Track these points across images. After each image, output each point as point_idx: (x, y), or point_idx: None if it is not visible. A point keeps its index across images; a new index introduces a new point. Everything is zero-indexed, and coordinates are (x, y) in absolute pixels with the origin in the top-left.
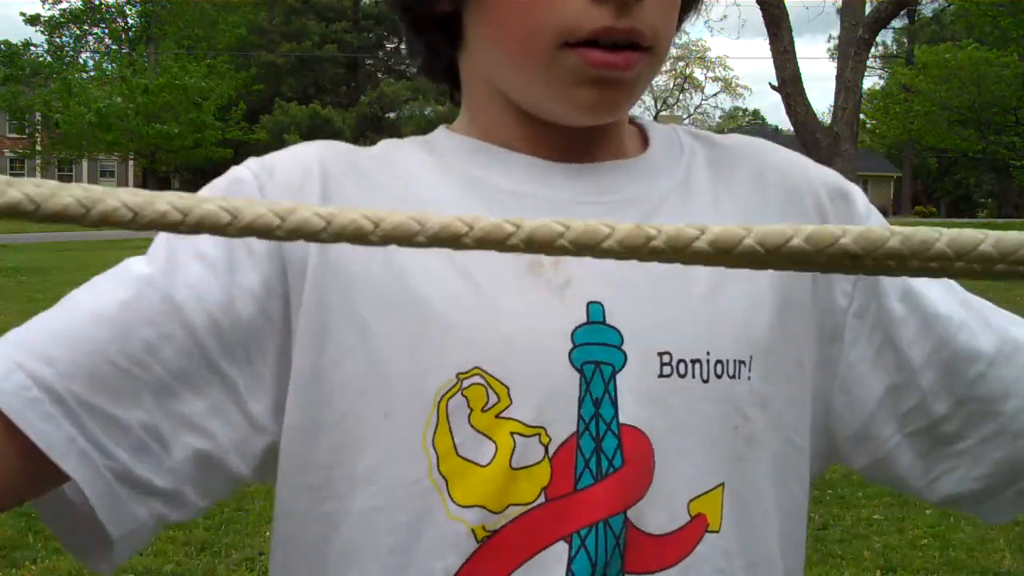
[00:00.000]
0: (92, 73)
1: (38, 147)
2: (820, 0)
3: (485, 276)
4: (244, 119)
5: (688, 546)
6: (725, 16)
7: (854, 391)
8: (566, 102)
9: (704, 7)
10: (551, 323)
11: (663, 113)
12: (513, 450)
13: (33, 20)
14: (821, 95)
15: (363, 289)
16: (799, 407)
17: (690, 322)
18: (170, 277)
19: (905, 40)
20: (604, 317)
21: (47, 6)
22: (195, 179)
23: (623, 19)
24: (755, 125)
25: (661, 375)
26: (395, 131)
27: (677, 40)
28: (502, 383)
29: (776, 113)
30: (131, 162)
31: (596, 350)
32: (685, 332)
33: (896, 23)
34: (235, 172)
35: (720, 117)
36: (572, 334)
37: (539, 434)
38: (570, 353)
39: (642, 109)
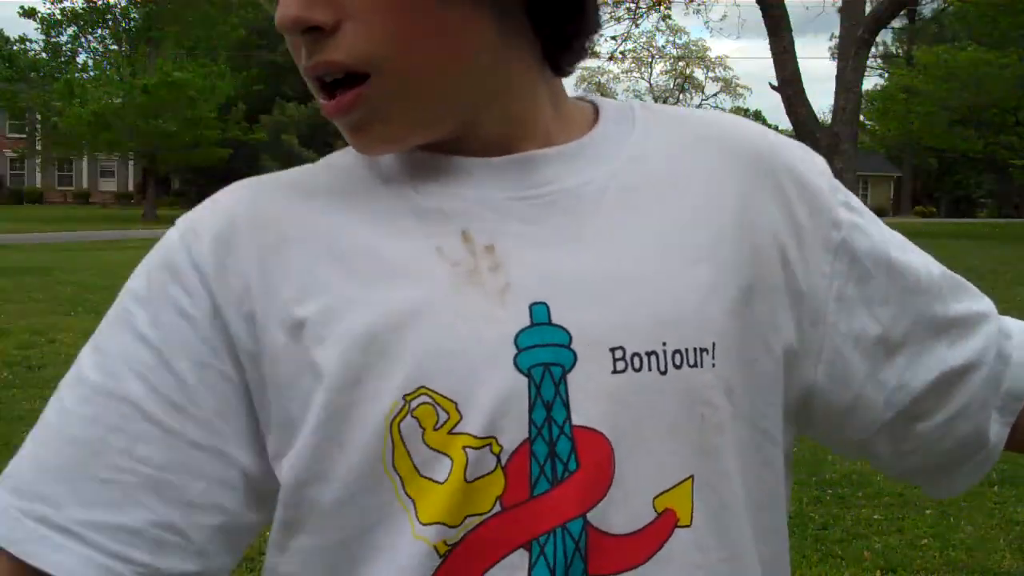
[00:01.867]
0: (92, 73)
1: (38, 146)
2: (820, 0)
3: (422, 292)
4: (244, 119)
5: (656, 542)
6: (725, 16)
7: (840, 371)
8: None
9: (705, 7)
10: (492, 330)
11: None
12: (466, 464)
13: (31, 13)
14: (821, 95)
15: (306, 336)
16: (767, 391)
17: (643, 314)
18: (119, 376)
19: (905, 40)
20: (549, 317)
21: (47, 5)
22: (195, 179)
23: (313, 57)
24: None
25: (615, 371)
26: None
27: (677, 40)
28: (449, 399)
29: (776, 113)
30: (131, 162)
31: (543, 352)
32: (638, 324)
33: (896, 23)
34: (165, 238)
35: None
36: (515, 338)
37: (490, 444)
38: (515, 358)
39: None
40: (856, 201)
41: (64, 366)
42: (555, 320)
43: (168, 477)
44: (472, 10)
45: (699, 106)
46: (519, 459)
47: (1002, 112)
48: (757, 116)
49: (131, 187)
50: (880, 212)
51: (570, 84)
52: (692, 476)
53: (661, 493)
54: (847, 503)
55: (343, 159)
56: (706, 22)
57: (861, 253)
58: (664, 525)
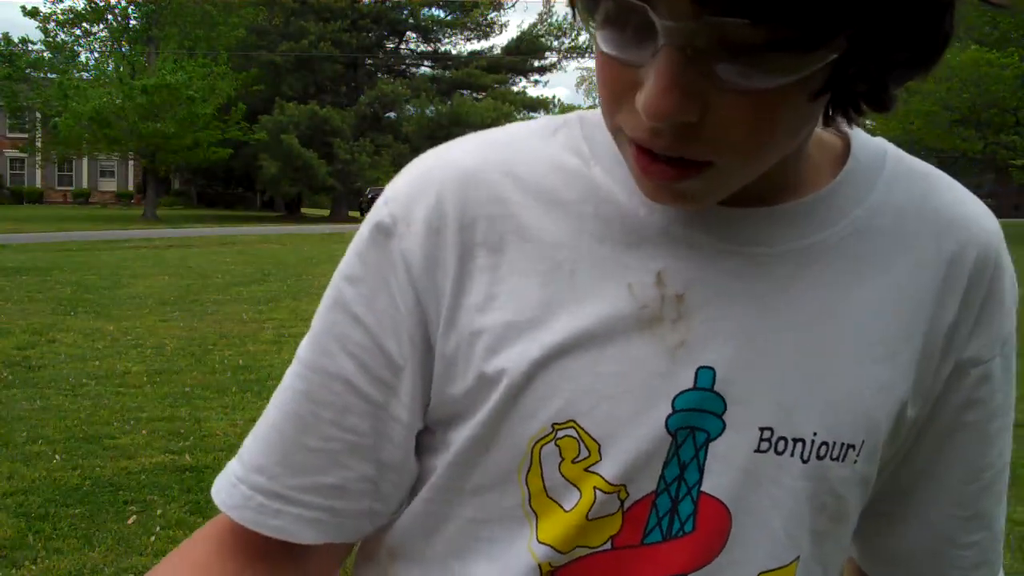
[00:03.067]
0: (92, 73)
1: (38, 145)
2: None
3: (601, 329)
4: (244, 119)
5: None
6: None
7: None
8: (638, 183)
9: None
10: (655, 387)
11: None
12: (592, 503)
13: (33, 13)
14: None
15: (480, 345)
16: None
17: (804, 401)
18: (332, 354)
19: None
20: (713, 384)
21: (48, 5)
22: (195, 178)
23: (662, 140)
24: None
25: (758, 450)
26: (395, 130)
27: None
28: (594, 439)
29: None
30: (131, 162)
31: (694, 416)
32: (795, 410)
33: None
34: (375, 214)
35: None
36: (674, 400)
37: (619, 491)
38: (668, 418)
39: None
40: (1014, 363)
41: (64, 366)
42: (718, 387)
43: (368, 442)
44: (824, 100)
45: None
46: (640, 507)
47: (1002, 112)
48: None
49: (131, 187)
50: None
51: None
52: (799, 557)
53: (769, 570)
54: None
55: (562, 154)
56: None
57: (975, 402)
58: None
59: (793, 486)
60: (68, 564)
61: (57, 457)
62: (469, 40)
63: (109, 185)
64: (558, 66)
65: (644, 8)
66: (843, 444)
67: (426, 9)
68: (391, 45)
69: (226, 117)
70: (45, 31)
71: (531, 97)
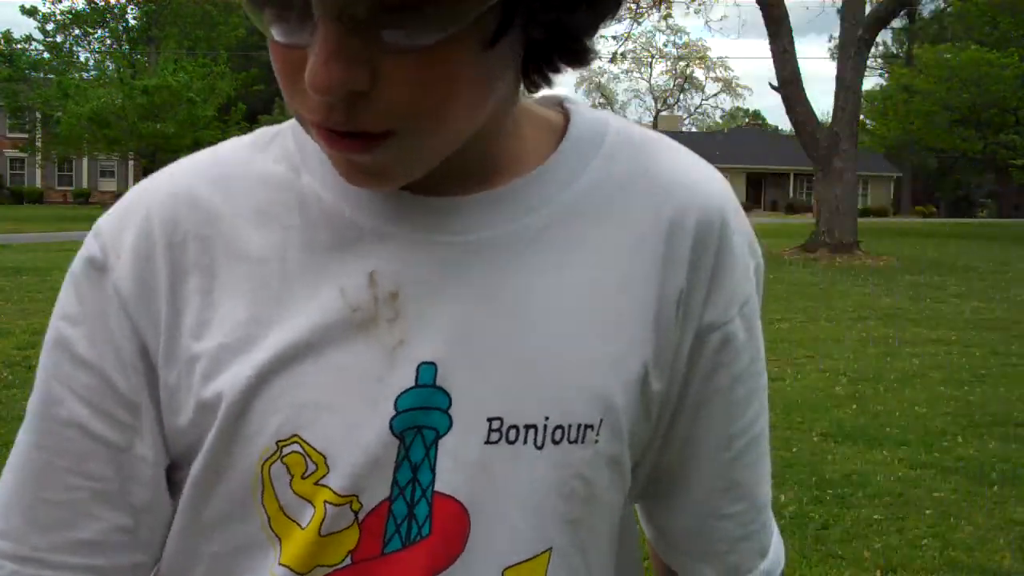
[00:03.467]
0: (93, 73)
1: (38, 144)
2: (820, 0)
3: (315, 339)
4: (244, 119)
5: None
6: (725, 16)
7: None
8: (334, 166)
9: (705, 7)
10: (375, 390)
11: (663, 113)
12: (324, 518)
13: (32, 12)
14: (821, 95)
15: (198, 371)
16: (636, 449)
17: (531, 386)
18: (62, 401)
19: (905, 40)
20: (435, 379)
21: (47, 5)
22: None
23: (334, 117)
24: (755, 125)
25: (488, 441)
26: None
27: (678, 40)
28: (319, 452)
29: (776, 113)
30: (131, 162)
31: (420, 415)
32: (522, 397)
33: (896, 23)
34: (86, 249)
35: (721, 117)
36: (396, 401)
37: (351, 502)
38: (392, 420)
39: (643, 110)
40: (757, 326)
41: None
42: (440, 382)
43: (114, 487)
44: (504, 52)
45: (699, 106)
46: (376, 517)
47: (1002, 112)
48: (757, 116)
49: (131, 187)
50: (880, 212)
51: (569, 84)
52: (551, 548)
53: (514, 564)
54: (847, 503)
55: (272, 166)
56: (706, 22)
57: (718, 366)
58: None
59: (532, 475)
60: None
61: None
62: None
63: (109, 185)
64: None
65: None
66: (580, 425)
67: None
68: None
69: (226, 117)
70: (44, 31)
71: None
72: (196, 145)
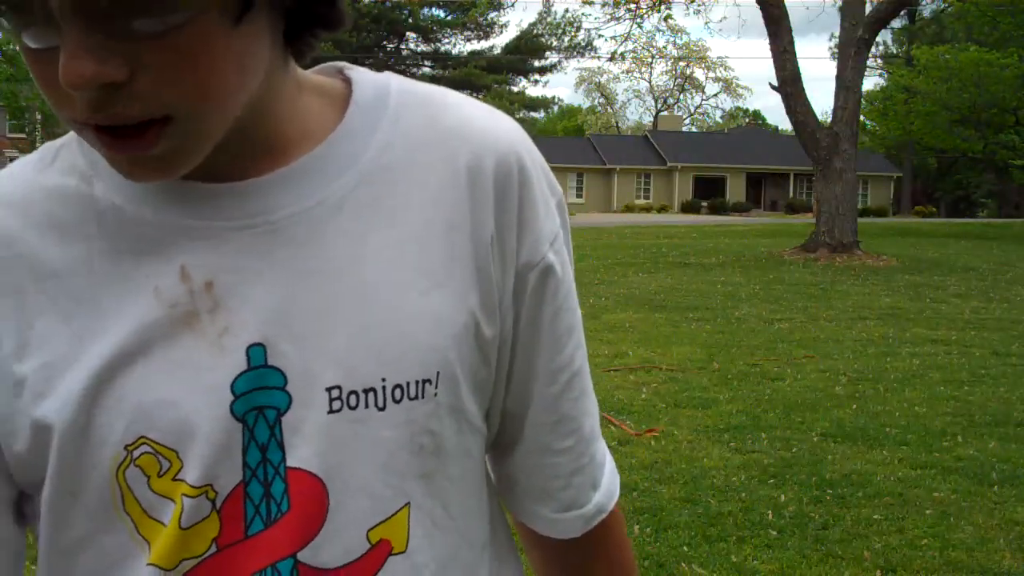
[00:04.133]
0: None
1: (38, 145)
2: (820, 0)
3: (138, 341)
4: None
5: (369, 573)
6: (725, 18)
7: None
8: (115, 168)
9: (705, 7)
10: (208, 378)
11: (663, 113)
12: (182, 511)
13: None
14: (821, 95)
15: (27, 393)
16: (482, 394)
17: (362, 351)
18: None
19: (905, 40)
20: (266, 359)
21: None
22: None
23: (102, 110)
24: (755, 125)
25: (331, 411)
26: None
27: (678, 40)
28: (169, 448)
29: (776, 113)
30: None
31: (258, 395)
32: (357, 362)
33: (896, 23)
34: None
35: (721, 117)
36: (232, 385)
37: (206, 491)
38: (232, 405)
39: (643, 109)
40: (568, 261)
41: None
42: (272, 361)
43: None
44: (256, 26)
45: (698, 106)
46: (234, 501)
47: (1002, 112)
48: (757, 116)
49: None
50: (880, 212)
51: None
52: (408, 503)
53: (376, 525)
54: (847, 503)
55: (62, 180)
56: (706, 22)
57: (541, 303)
58: (377, 556)
59: (379, 436)
60: None
61: None
62: (469, 40)
63: None
64: (558, 66)
65: None
66: (418, 382)
67: (426, 9)
68: (391, 45)
69: None
70: None
71: (531, 97)
72: None
